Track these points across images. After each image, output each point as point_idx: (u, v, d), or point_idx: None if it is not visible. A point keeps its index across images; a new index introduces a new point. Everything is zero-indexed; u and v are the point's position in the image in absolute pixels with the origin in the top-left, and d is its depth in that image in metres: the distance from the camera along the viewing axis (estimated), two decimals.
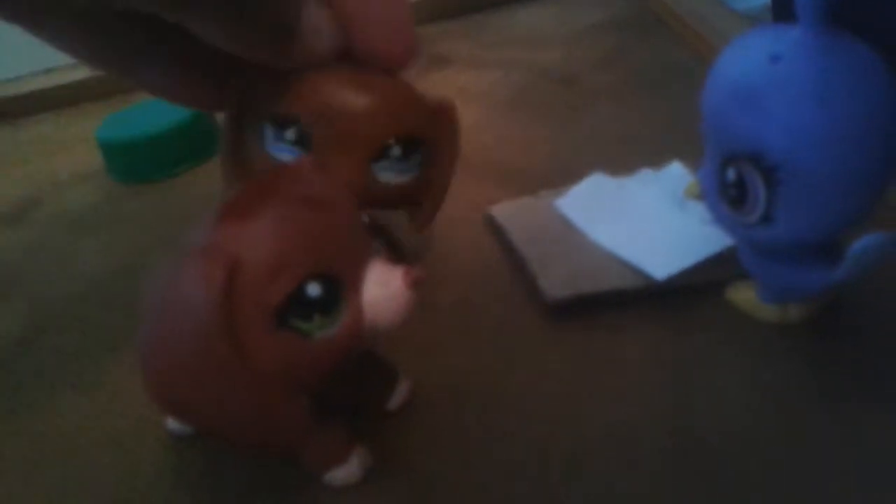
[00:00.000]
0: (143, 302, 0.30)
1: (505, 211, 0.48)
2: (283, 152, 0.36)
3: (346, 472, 0.33)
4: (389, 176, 0.36)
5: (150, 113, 0.66)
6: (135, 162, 0.64)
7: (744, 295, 0.39)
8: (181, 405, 0.31)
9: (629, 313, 0.41)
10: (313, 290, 0.28)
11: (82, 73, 0.84)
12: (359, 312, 0.29)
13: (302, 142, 0.35)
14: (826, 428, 0.33)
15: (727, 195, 0.34)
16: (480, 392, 0.38)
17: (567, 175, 0.50)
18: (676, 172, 0.48)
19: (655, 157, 0.50)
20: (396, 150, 0.36)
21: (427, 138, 0.37)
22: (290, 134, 0.35)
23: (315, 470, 0.33)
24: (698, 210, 0.41)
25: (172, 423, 0.38)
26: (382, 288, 0.29)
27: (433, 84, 0.71)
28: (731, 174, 0.33)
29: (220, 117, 0.39)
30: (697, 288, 0.40)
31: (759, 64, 0.32)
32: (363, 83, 0.35)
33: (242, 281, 0.27)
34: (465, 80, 0.71)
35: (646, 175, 0.48)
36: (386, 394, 0.37)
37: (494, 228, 0.48)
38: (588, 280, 0.41)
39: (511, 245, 0.46)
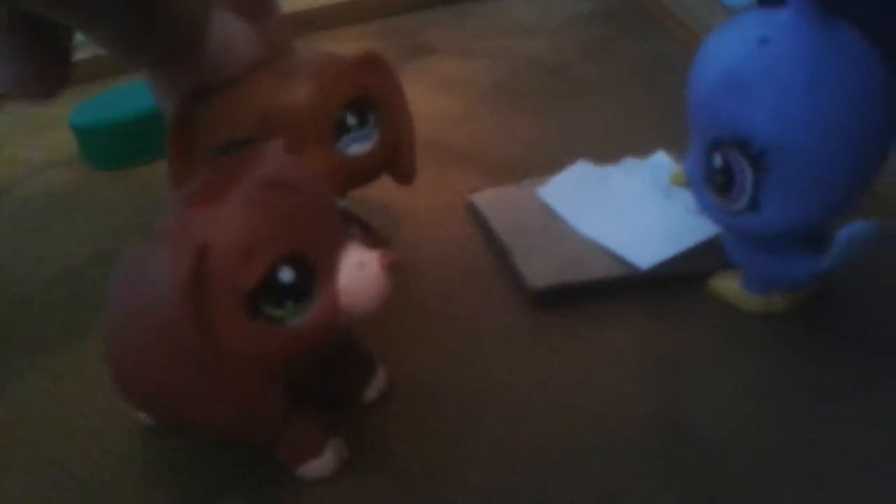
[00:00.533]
0: (109, 289, 0.29)
1: (487, 199, 0.48)
2: None
3: (320, 465, 0.32)
4: (357, 147, 0.37)
5: (124, 99, 0.64)
6: (108, 148, 0.63)
7: (728, 285, 0.39)
8: (149, 396, 0.30)
9: (613, 303, 0.40)
10: (286, 275, 0.27)
11: None
12: (334, 298, 0.28)
13: None
14: (809, 416, 0.33)
15: (714, 182, 0.33)
16: (461, 382, 0.37)
17: (551, 164, 0.49)
18: (661, 162, 0.47)
19: (641, 147, 0.49)
20: (351, 119, 0.37)
21: (372, 92, 0.38)
22: None
23: (289, 462, 0.33)
24: (683, 199, 0.40)
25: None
26: (358, 272, 0.28)
27: (418, 72, 0.70)
28: (717, 160, 0.33)
29: None
30: (682, 277, 0.40)
31: (747, 47, 0.31)
32: (287, 74, 0.36)
33: (213, 265, 0.26)
34: (450, 68, 0.70)
35: (630, 164, 0.48)
36: (363, 384, 0.36)
37: (476, 217, 0.47)
38: (571, 269, 0.41)
39: (493, 234, 0.45)
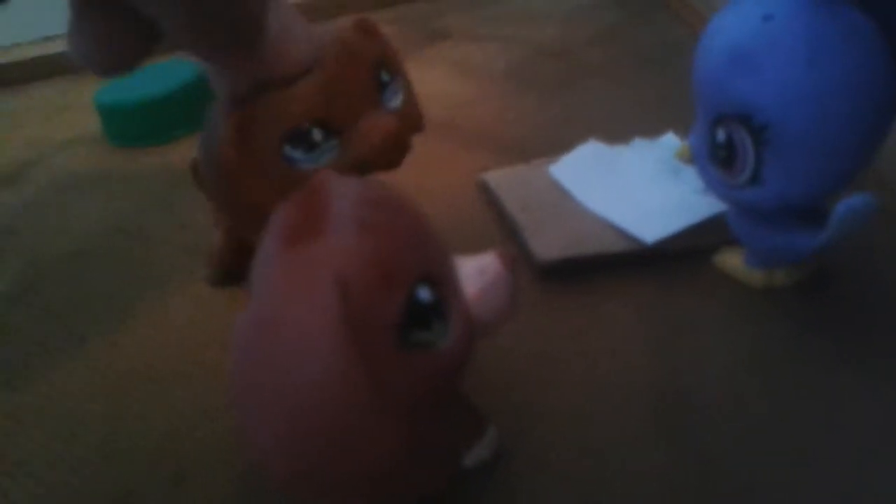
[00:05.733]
0: (233, 369, 0.24)
1: (498, 177, 0.49)
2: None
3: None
4: (394, 101, 0.38)
5: (149, 79, 0.66)
6: (131, 127, 0.65)
7: (731, 260, 0.40)
8: (305, 463, 0.24)
9: (619, 277, 0.41)
10: (424, 293, 0.24)
11: None
12: (466, 311, 0.26)
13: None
14: (803, 387, 0.34)
15: (717, 156, 0.34)
16: None
17: (561, 146, 0.50)
18: (670, 143, 0.48)
19: (650, 130, 0.50)
20: (385, 75, 0.38)
21: (381, 51, 0.39)
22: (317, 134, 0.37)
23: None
24: (690, 178, 0.42)
25: None
26: (481, 278, 0.26)
27: (432, 57, 0.71)
28: (720, 135, 0.34)
29: None
30: (686, 253, 0.41)
31: (751, 24, 0.32)
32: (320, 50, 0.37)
33: (355, 304, 0.23)
34: (462, 53, 0.71)
35: (640, 144, 0.49)
36: (465, 446, 0.32)
37: (488, 194, 0.48)
38: (578, 244, 0.42)
39: (504, 210, 0.46)
